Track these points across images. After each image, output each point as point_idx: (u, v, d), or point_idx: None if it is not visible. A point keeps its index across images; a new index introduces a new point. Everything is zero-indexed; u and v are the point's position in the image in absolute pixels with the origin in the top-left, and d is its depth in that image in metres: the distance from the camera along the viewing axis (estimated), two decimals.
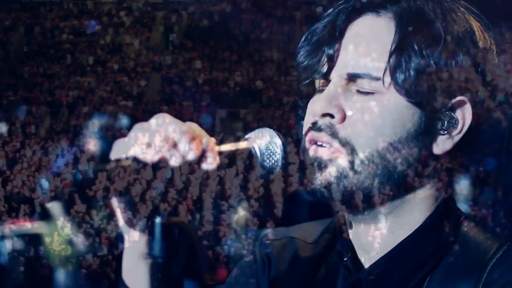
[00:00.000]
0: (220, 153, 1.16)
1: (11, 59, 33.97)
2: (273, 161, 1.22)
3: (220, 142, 1.17)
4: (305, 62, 1.31)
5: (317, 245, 1.44)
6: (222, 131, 26.00)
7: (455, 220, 1.28)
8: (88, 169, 1.04)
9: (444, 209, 1.28)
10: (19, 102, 28.80)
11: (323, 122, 1.24)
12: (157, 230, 1.16)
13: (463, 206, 1.32)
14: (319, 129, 1.25)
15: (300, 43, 1.31)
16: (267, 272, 1.47)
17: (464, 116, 1.23)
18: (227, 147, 1.19)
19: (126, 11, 36.87)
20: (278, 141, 1.22)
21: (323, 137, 1.24)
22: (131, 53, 33.82)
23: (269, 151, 1.22)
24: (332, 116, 1.23)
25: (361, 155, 1.21)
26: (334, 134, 1.23)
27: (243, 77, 30.87)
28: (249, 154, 1.22)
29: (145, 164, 1.09)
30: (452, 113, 1.23)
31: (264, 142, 1.22)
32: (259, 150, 1.22)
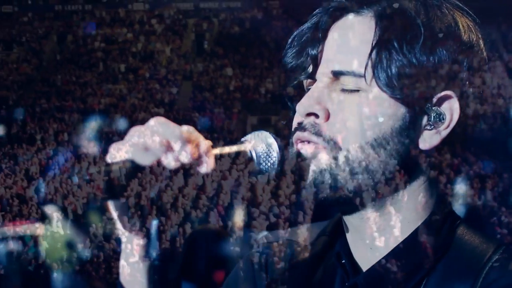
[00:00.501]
0: (217, 156, 1.17)
1: (44, 67, 34.38)
2: (269, 164, 1.23)
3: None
4: (292, 64, 1.33)
5: (314, 247, 1.44)
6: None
7: (451, 223, 1.28)
8: (84, 173, 0.97)
9: (439, 212, 1.28)
10: (51, 109, 29.06)
11: (307, 121, 1.26)
12: (154, 233, 1.17)
13: (458, 206, 1.31)
14: (304, 129, 1.26)
15: (287, 45, 1.34)
16: (265, 274, 1.48)
17: (452, 110, 1.24)
18: (224, 150, 1.21)
19: (157, 19, 37.17)
20: (274, 144, 1.23)
21: (308, 136, 1.25)
22: (162, 60, 33.99)
23: (266, 154, 1.23)
24: (316, 116, 1.25)
25: (345, 152, 1.22)
26: (318, 133, 1.24)
27: (274, 83, 30.76)
28: (247, 156, 1.23)
29: (141, 168, 1.09)
30: (438, 108, 1.23)
31: (261, 145, 1.23)
32: (256, 153, 1.23)
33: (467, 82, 1.25)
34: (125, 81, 32.16)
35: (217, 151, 1.18)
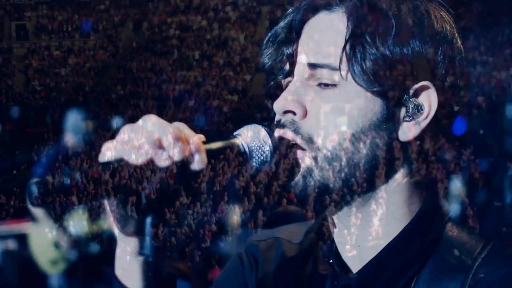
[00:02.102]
0: (208, 151, 1.15)
1: (120, 54, 34.93)
2: (262, 157, 1.23)
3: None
4: (269, 64, 1.33)
5: (302, 245, 1.45)
6: None
7: (439, 221, 1.28)
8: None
9: (428, 208, 1.28)
10: (127, 96, 29.47)
11: (285, 119, 1.26)
12: (148, 229, 1.15)
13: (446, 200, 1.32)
14: (282, 126, 1.26)
15: (263, 45, 1.34)
16: (254, 273, 1.49)
17: (430, 101, 1.24)
18: (216, 144, 1.18)
19: (232, 6, 37.31)
20: (266, 138, 1.23)
21: (287, 133, 1.25)
22: (236, 47, 33.96)
23: (258, 147, 1.22)
24: (294, 113, 1.25)
25: (324, 150, 1.22)
26: (296, 130, 1.24)
27: None
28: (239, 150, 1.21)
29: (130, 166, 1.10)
30: (416, 99, 1.23)
31: (253, 139, 1.23)
32: (248, 147, 1.22)
33: (443, 72, 1.25)
34: (199, 68, 32.41)
35: (208, 145, 1.16)
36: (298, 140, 1.24)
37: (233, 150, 1.21)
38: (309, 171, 1.24)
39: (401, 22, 1.21)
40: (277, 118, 1.29)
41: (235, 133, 1.24)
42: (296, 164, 1.26)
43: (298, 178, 1.25)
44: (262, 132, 1.23)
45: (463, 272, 1.19)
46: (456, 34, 1.29)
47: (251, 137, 1.23)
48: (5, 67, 34.85)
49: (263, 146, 1.23)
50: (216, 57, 33.33)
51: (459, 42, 1.30)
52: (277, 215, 4.92)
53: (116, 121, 26.02)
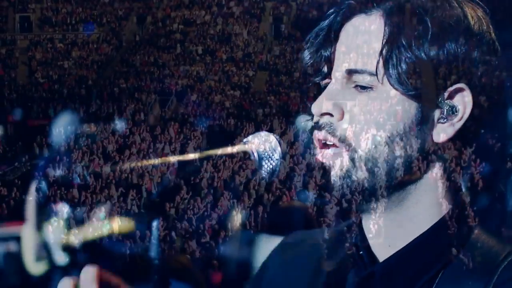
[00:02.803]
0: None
1: (124, 48, 34.89)
2: (270, 165, 1.24)
3: None
4: (308, 65, 1.34)
5: (329, 240, 1.46)
6: None
7: (468, 223, 1.28)
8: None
9: (457, 212, 1.28)
10: (129, 89, 29.46)
11: (323, 121, 1.28)
12: (155, 233, 1.17)
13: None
14: (320, 128, 1.28)
15: (304, 47, 1.35)
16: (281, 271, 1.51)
17: (465, 103, 1.24)
18: (226, 150, 1.22)
19: (235, 1, 37.20)
20: (276, 145, 1.25)
21: (324, 134, 1.27)
22: (239, 43, 33.93)
23: (267, 155, 1.24)
24: (331, 115, 1.27)
25: (360, 151, 1.24)
26: (333, 132, 1.26)
27: None
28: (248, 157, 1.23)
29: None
30: (451, 101, 1.24)
31: (262, 146, 1.24)
32: (257, 154, 1.24)
33: (479, 73, 1.25)
34: (202, 63, 32.35)
35: (219, 151, 1.20)
36: (335, 141, 1.26)
37: (240, 156, 1.24)
38: (347, 171, 1.26)
39: (437, 25, 1.22)
40: (315, 120, 1.31)
41: (245, 140, 1.26)
42: (323, 166, 1.28)
43: (335, 179, 1.27)
44: (272, 140, 1.25)
45: (489, 273, 1.19)
46: (493, 35, 1.30)
47: (261, 144, 1.25)
48: (8, 59, 34.85)
49: (272, 155, 1.25)
50: (219, 52, 33.27)
51: (497, 44, 1.30)
52: (281, 210, 4.95)
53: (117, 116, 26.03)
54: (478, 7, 1.30)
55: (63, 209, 1.13)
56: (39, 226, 1.05)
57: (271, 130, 21.99)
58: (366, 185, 1.25)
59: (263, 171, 1.25)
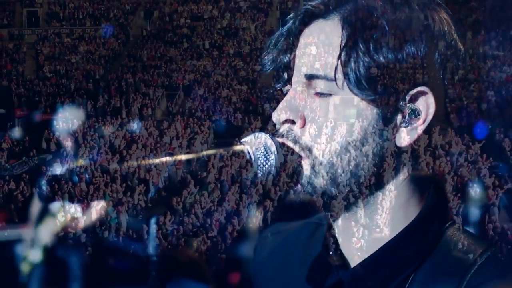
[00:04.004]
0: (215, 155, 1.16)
1: (131, 43, 34.92)
2: (267, 166, 1.25)
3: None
4: (268, 71, 1.34)
5: (302, 232, 1.51)
6: None
7: (440, 224, 1.28)
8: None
9: (429, 212, 1.28)
10: (137, 84, 29.49)
11: (284, 128, 1.27)
12: (153, 230, 1.44)
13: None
14: (281, 135, 1.27)
15: (263, 53, 1.35)
16: (259, 263, 1.56)
17: (427, 106, 1.24)
18: (223, 150, 1.25)
19: None
20: (272, 146, 1.25)
21: (286, 142, 1.26)
22: (247, 37, 33.90)
23: (263, 156, 1.24)
24: (293, 122, 1.26)
25: (320, 157, 1.23)
26: (294, 140, 1.26)
27: None
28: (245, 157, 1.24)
29: None
30: (413, 105, 1.23)
31: (259, 147, 1.25)
32: (254, 155, 1.24)
33: (441, 76, 1.25)
34: (209, 58, 32.34)
35: (217, 151, 1.24)
36: (297, 149, 1.26)
37: (240, 157, 1.23)
38: (307, 178, 1.25)
39: (396, 28, 1.20)
40: (277, 127, 1.30)
41: (242, 140, 1.26)
42: (300, 171, 1.28)
43: (300, 185, 1.27)
44: (269, 140, 1.25)
45: (458, 277, 1.19)
46: (455, 35, 1.28)
47: (258, 145, 1.25)
48: (16, 53, 34.94)
49: (268, 155, 1.25)
50: (226, 47, 33.29)
51: (459, 45, 1.29)
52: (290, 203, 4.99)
53: (125, 110, 26.05)
54: (440, 9, 1.28)
55: (64, 204, 1.13)
56: (42, 222, 1.06)
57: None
58: (327, 190, 1.25)
59: (259, 171, 1.26)
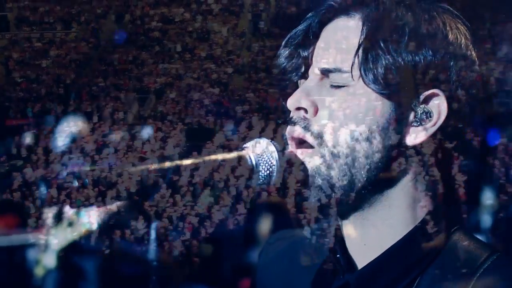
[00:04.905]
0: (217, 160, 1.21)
1: (102, 46, 34.71)
2: (268, 171, 1.26)
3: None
4: (285, 64, 1.39)
5: (311, 240, 1.48)
6: None
7: (446, 227, 1.28)
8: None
9: (436, 214, 1.28)
10: (108, 88, 29.34)
11: (297, 115, 1.30)
12: (153, 235, 1.64)
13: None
14: (294, 123, 1.30)
15: (281, 47, 1.39)
16: (267, 269, 1.58)
17: (439, 108, 1.26)
18: (224, 155, 1.25)
19: None
20: (274, 152, 1.27)
21: (297, 130, 1.29)
22: (218, 40, 33.87)
23: (265, 161, 1.26)
24: (306, 111, 1.29)
25: (332, 147, 1.25)
26: (306, 127, 1.28)
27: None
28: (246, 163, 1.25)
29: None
30: (426, 106, 1.26)
31: (261, 152, 1.27)
32: (255, 160, 1.26)
33: (455, 81, 1.28)
34: (181, 61, 32.23)
35: (218, 156, 1.23)
36: (308, 137, 1.28)
37: (240, 162, 1.26)
38: (317, 169, 1.27)
39: (415, 31, 1.25)
40: (291, 115, 1.33)
41: (243, 146, 1.30)
42: (304, 169, 1.29)
43: (309, 176, 1.28)
44: (271, 146, 1.28)
45: (464, 281, 1.19)
46: (471, 46, 1.32)
47: (259, 151, 1.28)
48: None
49: (270, 161, 1.27)
50: (198, 50, 33.17)
51: (474, 54, 1.33)
52: (261, 206, 5.01)
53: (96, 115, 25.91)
54: (457, 20, 1.34)
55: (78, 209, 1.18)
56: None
57: (250, 127, 22.08)
58: (336, 183, 1.26)
59: (260, 177, 1.27)
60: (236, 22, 35.47)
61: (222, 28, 34.79)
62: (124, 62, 32.41)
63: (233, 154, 1.26)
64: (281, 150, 1.30)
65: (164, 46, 33.66)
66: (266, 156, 1.27)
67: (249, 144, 1.30)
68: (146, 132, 23.31)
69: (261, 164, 1.27)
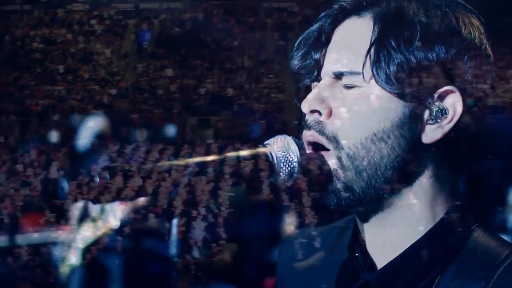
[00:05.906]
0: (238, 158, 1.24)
1: None
2: (289, 168, 1.26)
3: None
4: (298, 67, 1.36)
5: (329, 235, 1.51)
6: (193, 138, 26.09)
7: (466, 226, 1.28)
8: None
9: (454, 214, 1.29)
10: None
11: (312, 119, 1.30)
12: (175, 231, 1.18)
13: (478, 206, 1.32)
14: (308, 127, 1.30)
15: (293, 50, 1.38)
16: (286, 266, 1.58)
17: (455, 105, 1.25)
18: (245, 152, 1.25)
19: (97, 19, 36.74)
20: (295, 149, 1.27)
21: (312, 134, 1.29)
22: (102, 61, 33.74)
23: (286, 158, 1.26)
24: (320, 113, 1.28)
25: (347, 149, 1.25)
26: (321, 130, 1.28)
27: (214, 84, 30.96)
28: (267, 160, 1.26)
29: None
30: (441, 103, 1.25)
31: (282, 149, 1.26)
32: (276, 157, 1.26)
33: (470, 78, 1.25)
34: (64, 82, 31.80)
35: (239, 153, 1.23)
36: (323, 140, 1.27)
37: (261, 159, 1.25)
38: (334, 172, 1.26)
39: (428, 28, 1.23)
40: (306, 118, 1.32)
41: (265, 142, 1.29)
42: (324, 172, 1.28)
43: (325, 181, 1.28)
44: (292, 144, 1.27)
45: (486, 277, 1.18)
46: (485, 41, 1.30)
47: (280, 148, 1.26)
48: None
49: (291, 158, 1.26)
50: (81, 71, 32.79)
51: (489, 49, 1.30)
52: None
53: None
54: (472, 15, 1.30)
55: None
56: None
57: (136, 148, 21.85)
58: (354, 185, 1.26)
59: (281, 174, 1.26)
60: (120, 43, 35.40)
61: (105, 49, 34.60)
62: (4, 84, 31.57)
63: (255, 151, 1.26)
64: (303, 148, 1.29)
65: (46, 67, 33.08)
66: (287, 153, 1.26)
67: (270, 141, 1.29)
68: (29, 155, 23.01)
69: (282, 161, 1.25)
